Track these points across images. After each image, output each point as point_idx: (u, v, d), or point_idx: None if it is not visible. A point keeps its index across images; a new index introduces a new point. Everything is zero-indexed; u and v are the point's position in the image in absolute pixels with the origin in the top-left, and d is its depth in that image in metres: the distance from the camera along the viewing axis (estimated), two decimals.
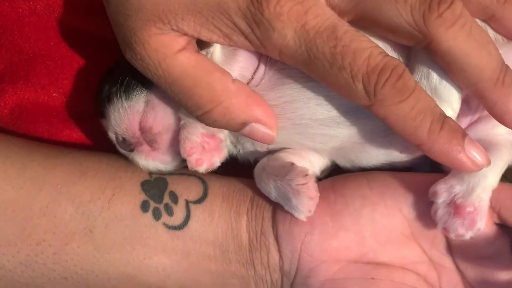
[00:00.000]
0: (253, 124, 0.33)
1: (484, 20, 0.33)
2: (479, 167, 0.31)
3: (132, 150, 0.38)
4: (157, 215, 0.38)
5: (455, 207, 0.34)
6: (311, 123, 0.35)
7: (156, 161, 0.38)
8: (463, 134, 0.31)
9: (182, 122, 0.37)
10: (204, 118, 0.33)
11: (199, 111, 0.32)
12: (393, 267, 0.37)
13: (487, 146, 0.34)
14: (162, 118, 0.37)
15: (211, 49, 0.35)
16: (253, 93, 0.33)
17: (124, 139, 0.38)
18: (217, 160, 0.38)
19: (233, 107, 0.32)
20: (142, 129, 0.37)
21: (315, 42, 0.29)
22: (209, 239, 0.38)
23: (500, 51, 0.31)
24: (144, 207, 0.38)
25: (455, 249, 0.36)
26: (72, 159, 0.39)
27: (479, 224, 0.34)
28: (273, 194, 0.37)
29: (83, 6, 0.40)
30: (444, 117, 0.31)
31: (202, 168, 0.38)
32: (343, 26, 0.30)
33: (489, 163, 0.32)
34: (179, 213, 0.38)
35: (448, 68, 0.31)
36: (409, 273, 0.37)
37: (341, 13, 0.31)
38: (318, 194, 0.36)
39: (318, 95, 0.35)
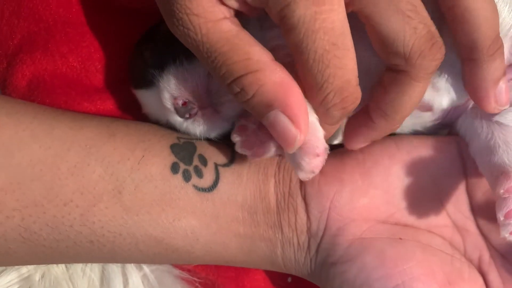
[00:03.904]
0: (278, 111, 0.31)
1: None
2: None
3: (190, 116, 0.37)
4: (187, 177, 0.38)
5: None
6: None
7: (217, 125, 0.38)
8: None
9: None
10: (233, 86, 0.31)
11: (230, 77, 0.31)
12: (420, 230, 0.38)
13: None
14: None
15: None
16: (293, 81, 0.31)
17: (185, 103, 0.37)
18: None
19: (265, 80, 0.30)
20: (209, 91, 0.36)
21: (316, 35, 0.29)
22: (238, 202, 0.38)
23: None
24: (174, 168, 0.38)
25: (478, 211, 0.38)
26: (99, 122, 0.39)
27: None
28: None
29: None
30: None
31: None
32: (346, 39, 0.30)
33: None
34: (208, 176, 0.38)
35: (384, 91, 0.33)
36: (435, 236, 0.38)
37: (349, 3, 0.30)
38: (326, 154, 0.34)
39: None
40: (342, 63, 0.30)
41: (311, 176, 0.34)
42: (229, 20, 0.31)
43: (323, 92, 0.30)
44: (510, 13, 0.35)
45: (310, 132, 0.32)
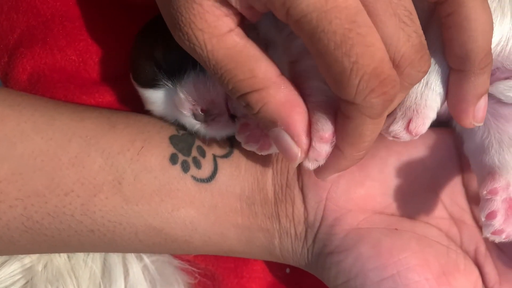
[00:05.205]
0: (281, 129, 0.30)
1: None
2: None
3: (207, 122, 0.37)
4: (185, 168, 0.38)
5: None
6: None
7: (228, 130, 0.38)
8: None
9: None
10: (240, 100, 0.31)
11: (237, 93, 0.30)
12: (416, 221, 0.38)
13: None
14: None
15: None
16: (298, 99, 0.30)
17: (203, 110, 0.37)
18: None
19: (269, 99, 0.30)
20: (230, 97, 0.36)
21: (331, 15, 0.27)
22: (236, 193, 0.39)
23: None
24: (173, 159, 0.38)
25: (474, 203, 0.38)
26: (99, 113, 0.39)
27: None
28: None
29: None
30: None
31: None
32: (366, 17, 0.27)
33: None
34: (207, 167, 0.39)
35: None
36: (431, 227, 0.38)
37: None
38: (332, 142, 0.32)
39: None
40: (369, 41, 0.27)
41: (313, 166, 0.32)
42: (234, 32, 0.30)
43: (355, 77, 0.27)
44: (497, 28, 0.34)
45: (318, 114, 0.31)
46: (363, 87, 0.27)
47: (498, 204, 0.34)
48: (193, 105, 0.37)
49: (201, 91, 0.36)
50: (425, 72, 0.30)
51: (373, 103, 0.28)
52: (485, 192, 0.34)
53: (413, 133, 0.34)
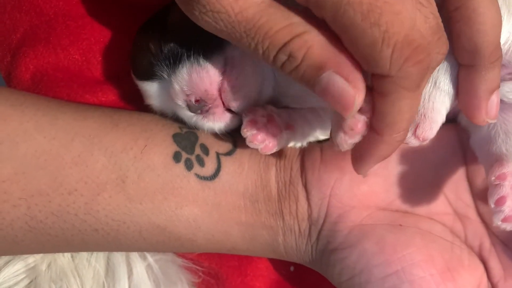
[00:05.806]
0: (331, 72, 0.27)
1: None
2: None
3: (202, 113, 0.37)
4: (189, 166, 0.38)
5: None
6: None
7: (226, 122, 0.38)
8: None
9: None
10: (279, 56, 0.28)
11: (275, 48, 0.28)
12: (420, 216, 0.38)
13: None
14: (244, 76, 0.36)
15: None
16: (338, 42, 0.28)
17: (197, 100, 0.37)
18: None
19: (313, 42, 0.27)
20: (223, 89, 0.37)
21: None
22: (239, 190, 0.39)
23: None
24: (176, 157, 0.38)
25: (478, 198, 0.38)
26: (102, 112, 0.39)
27: None
28: None
29: None
30: None
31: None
32: None
33: None
34: (210, 164, 0.39)
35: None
36: (435, 223, 0.38)
37: None
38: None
39: None
40: (397, 9, 0.26)
41: (348, 146, 0.31)
42: None
43: (387, 47, 0.26)
44: (504, 26, 0.34)
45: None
46: (397, 56, 0.26)
47: (507, 189, 0.33)
48: (187, 95, 0.37)
49: (195, 81, 0.36)
50: (444, 54, 0.29)
51: (410, 72, 0.27)
52: (493, 178, 0.33)
53: (420, 138, 0.34)
